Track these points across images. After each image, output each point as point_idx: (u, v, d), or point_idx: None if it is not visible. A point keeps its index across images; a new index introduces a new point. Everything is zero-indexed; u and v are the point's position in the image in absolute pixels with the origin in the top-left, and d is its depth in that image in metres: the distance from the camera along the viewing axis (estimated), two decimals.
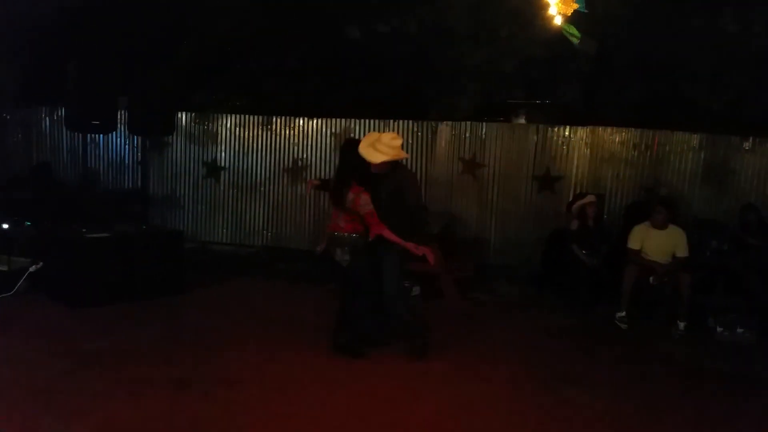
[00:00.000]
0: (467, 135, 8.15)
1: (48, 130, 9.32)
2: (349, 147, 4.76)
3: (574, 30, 3.67)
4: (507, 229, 8.08)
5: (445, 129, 8.21)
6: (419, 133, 8.27)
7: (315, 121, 8.68)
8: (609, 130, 7.92)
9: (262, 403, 3.92)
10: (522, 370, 4.70)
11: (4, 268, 5.99)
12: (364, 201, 4.47)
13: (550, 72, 8.44)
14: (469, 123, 8.17)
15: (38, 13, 8.18)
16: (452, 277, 6.75)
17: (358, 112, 8.56)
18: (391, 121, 8.32)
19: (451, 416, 3.89)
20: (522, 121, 8.96)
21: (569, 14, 3.45)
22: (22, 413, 3.61)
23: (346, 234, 4.58)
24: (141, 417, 3.65)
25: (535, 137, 8.02)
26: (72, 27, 8.33)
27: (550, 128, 8.02)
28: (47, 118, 9.32)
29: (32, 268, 5.81)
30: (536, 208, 7.96)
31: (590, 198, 6.74)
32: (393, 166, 4.71)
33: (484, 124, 8.17)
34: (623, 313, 5.91)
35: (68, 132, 8.96)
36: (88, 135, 8.24)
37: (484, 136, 8.11)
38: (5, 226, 6.35)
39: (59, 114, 9.08)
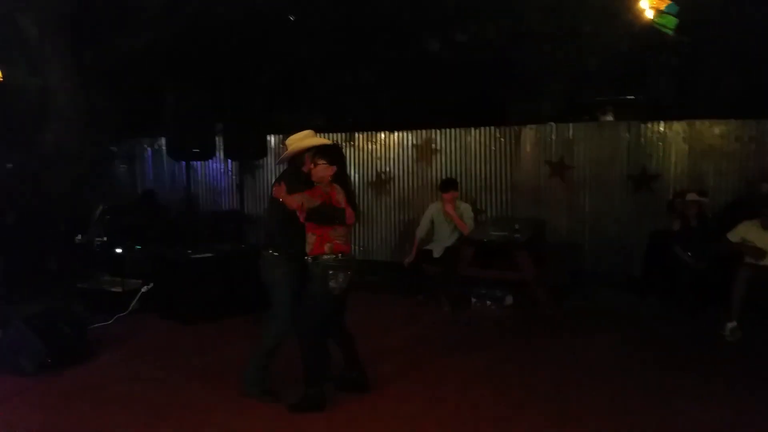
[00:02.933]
0: (553, 137, 7.96)
1: (150, 160, 9.95)
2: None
3: (669, 21, 3.52)
4: (602, 232, 7.79)
5: (529, 132, 8.07)
6: (502, 139, 8.17)
7: (396, 134, 8.77)
8: (707, 122, 7.49)
9: (359, 411, 3.99)
10: (629, 381, 4.51)
11: (119, 289, 6.45)
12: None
13: (638, 66, 8.11)
14: (554, 125, 7.99)
15: (135, 49, 8.80)
16: (545, 285, 6.60)
17: (438, 121, 8.57)
18: (473, 128, 8.28)
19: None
20: (610, 119, 8.66)
21: (662, 7, 3.32)
22: (145, 426, 3.85)
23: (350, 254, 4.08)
24: (250, 428, 3.81)
25: (627, 135, 7.71)
26: (167, 60, 8.89)
27: (642, 124, 7.69)
28: (149, 149, 9.95)
29: (144, 289, 6.21)
30: (633, 209, 7.63)
31: (692, 196, 6.40)
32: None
33: (570, 125, 7.95)
34: (734, 324, 5.40)
35: (168, 160, 9.55)
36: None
37: (571, 137, 7.90)
38: (118, 250, 6.83)
39: (160, 144, 9.70)
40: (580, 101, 8.70)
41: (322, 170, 3.90)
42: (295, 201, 3.81)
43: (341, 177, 4.00)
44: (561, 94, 8.32)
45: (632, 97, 8.67)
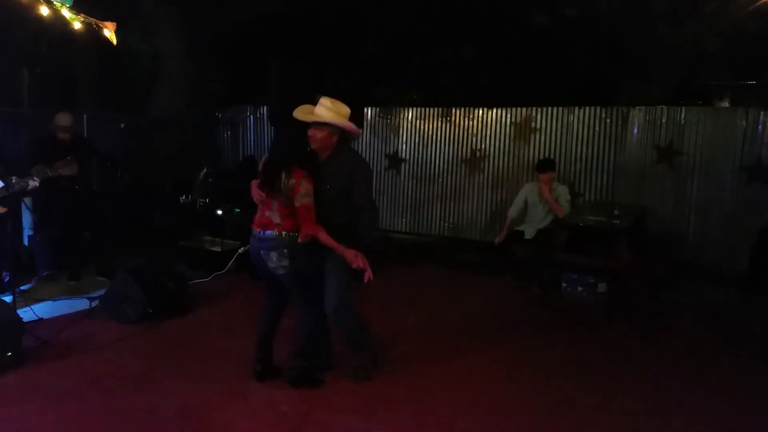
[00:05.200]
0: (663, 121, 7.49)
1: (252, 127, 10.29)
2: (283, 119, 3.93)
3: None
4: (707, 224, 7.31)
5: (638, 115, 7.64)
6: (608, 120, 7.79)
7: (495, 110, 8.57)
8: None
9: (446, 390, 3.99)
10: (721, 380, 4.25)
11: (218, 249, 6.77)
12: (304, 190, 3.56)
13: (762, 49, 7.44)
14: (665, 108, 7.51)
15: (242, 19, 9.08)
16: (642, 276, 6.29)
17: (539, 99, 8.29)
18: (576, 108, 7.94)
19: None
20: (726, 104, 8.04)
21: None
22: (237, 378, 4.04)
23: (283, 233, 3.61)
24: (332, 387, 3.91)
25: (744, 122, 7.13)
26: (271, 31, 9.12)
27: (762, 112, 7.08)
28: (251, 116, 10.29)
29: (240, 250, 6.47)
30: (744, 201, 7.09)
31: None
32: (340, 147, 3.81)
33: (683, 108, 7.45)
34: None
35: (269, 128, 9.84)
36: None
37: (683, 121, 7.41)
38: (219, 212, 7.16)
39: (261, 112, 10.01)
40: (696, 84, 8.14)
41: None
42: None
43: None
44: (675, 75, 7.79)
45: (753, 81, 8.01)
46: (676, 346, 4.97)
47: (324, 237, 3.60)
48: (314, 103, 3.81)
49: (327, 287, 3.76)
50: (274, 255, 3.61)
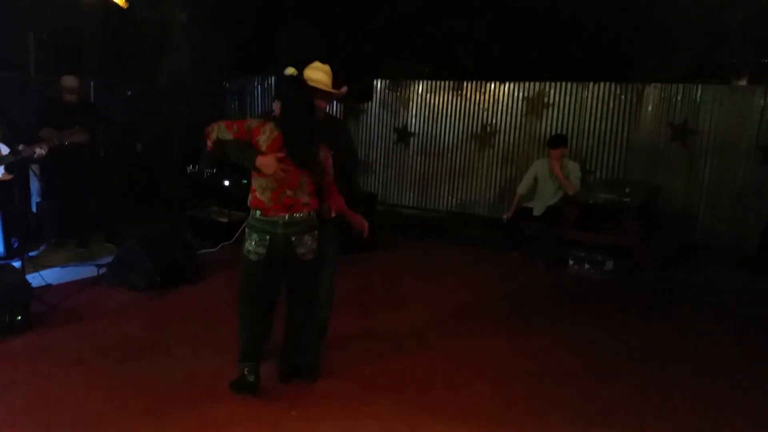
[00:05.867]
0: (678, 98, 7.38)
1: (260, 97, 10.20)
2: (300, 82, 3.38)
3: None
4: (720, 204, 7.24)
5: (653, 92, 7.52)
6: (622, 96, 7.67)
7: (507, 84, 8.45)
8: None
9: (449, 363, 3.99)
10: (722, 361, 4.22)
11: (225, 219, 6.76)
12: (331, 162, 3.33)
13: None
14: (681, 85, 7.38)
15: None
16: (651, 255, 6.24)
17: (552, 74, 8.16)
18: (591, 83, 7.83)
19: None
20: (744, 83, 7.88)
21: None
22: None
23: (312, 213, 3.30)
24: (341, 361, 3.90)
25: (762, 101, 7.02)
26: (281, 0, 8.96)
27: None
28: (258, 87, 10.20)
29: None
30: (758, 182, 7.00)
31: None
32: (326, 113, 3.62)
33: (699, 86, 7.32)
34: None
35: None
36: None
37: (698, 99, 7.28)
38: (226, 183, 7.13)
39: (269, 82, 9.91)
40: (713, 61, 7.97)
41: (276, 106, 3.38)
42: (206, 130, 3.28)
43: (289, 121, 3.25)
44: (692, 52, 7.63)
45: None
46: (681, 325, 4.94)
47: (345, 207, 3.45)
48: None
49: (326, 278, 3.58)
50: (308, 239, 3.29)
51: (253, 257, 3.29)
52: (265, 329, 3.48)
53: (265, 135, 3.23)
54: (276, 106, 3.41)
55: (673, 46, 7.66)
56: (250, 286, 3.40)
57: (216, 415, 3.18)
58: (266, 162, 3.19)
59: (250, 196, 3.32)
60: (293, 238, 3.25)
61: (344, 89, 3.59)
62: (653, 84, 7.51)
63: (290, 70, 3.38)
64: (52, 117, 5.71)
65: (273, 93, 9.83)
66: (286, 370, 3.54)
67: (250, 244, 3.28)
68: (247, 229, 3.32)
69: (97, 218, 6.31)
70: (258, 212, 3.26)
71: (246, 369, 3.35)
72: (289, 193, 3.23)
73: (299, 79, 3.38)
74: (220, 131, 3.25)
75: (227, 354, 3.63)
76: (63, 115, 5.73)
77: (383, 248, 6.65)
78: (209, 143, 3.28)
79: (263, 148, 3.22)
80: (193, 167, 7.77)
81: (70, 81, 5.97)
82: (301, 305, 3.49)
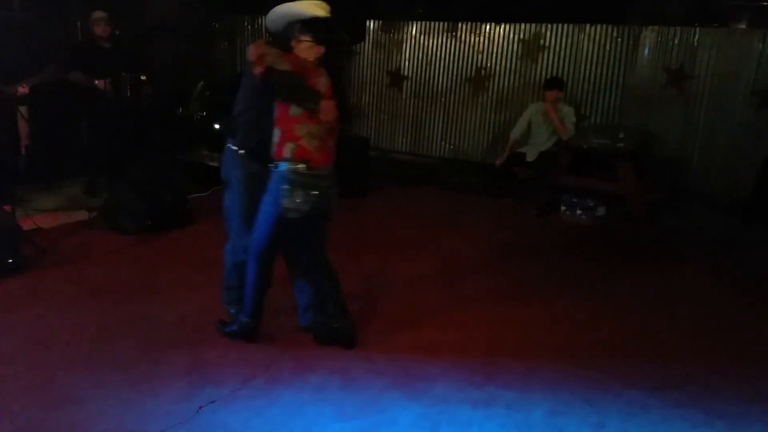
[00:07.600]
0: (675, 42, 7.24)
1: (250, 38, 9.94)
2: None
3: None
4: (713, 150, 7.21)
5: (649, 35, 7.37)
6: (618, 39, 7.52)
7: (502, 26, 8.26)
8: None
9: (441, 306, 4.04)
10: (709, 306, 4.29)
11: (216, 164, 6.69)
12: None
13: None
14: (678, 28, 7.23)
15: None
16: (643, 200, 6.26)
17: (549, 16, 7.97)
18: (587, 25, 7.66)
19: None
20: (743, 26, 7.73)
21: None
22: None
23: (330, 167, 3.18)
24: None
25: (761, 45, 6.90)
26: None
27: None
28: (249, 26, 9.93)
29: None
30: (753, 127, 6.96)
31: None
32: None
33: (697, 29, 7.18)
34: None
35: (267, 37, 9.51)
36: None
37: (696, 43, 7.15)
38: (217, 126, 7.03)
39: (260, 22, 9.65)
40: (711, 4, 7.79)
41: (306, 49, 3.06)
42: (255, 51, 2.95)
43: (330, 66, 3.12)
44: None
45: None
46: (670, 270, 5.01)
47: None
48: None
49: (323, 237, 3.43)
50: (335, 191, 3.20)
51: (293, 215, 3.05)
52: (270, 284, 3.36)
53: (323, 79, 3.04)
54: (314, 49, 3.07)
55: None
56: (273, 245, 3.20)
57: (208, 357, 3.24)
58: (329, 107, 3.03)
59: (289, 145, 3.00)
60: (332, 191, 3.17)
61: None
62: (650, 27, 7.35)
63: (320, 11, 3.07)
64: (82, 62, 5.65)
65: (265, 32, 9.58)
66: (326, 334, 3.38)
67: (293, 201, 3.01)
68: (286, 186, 3.01)
69: (103, 163, 6.15)
70: (302, 165, 3.00)
71: (252, 325, 3.33)
72: (331, 143, 3.13)
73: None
74: (274, 59, 2.94)
75: (218, 295, 3.65)
76: (94, 60, 5.68)
77: (375, 194, 6.65)
78: (259, 69, 2.92)
79: (323, 91, 3.03)
80: (183, 110, 7.64)
81: (100, 14, 5.82)
82: (326, 260, 3.36)
